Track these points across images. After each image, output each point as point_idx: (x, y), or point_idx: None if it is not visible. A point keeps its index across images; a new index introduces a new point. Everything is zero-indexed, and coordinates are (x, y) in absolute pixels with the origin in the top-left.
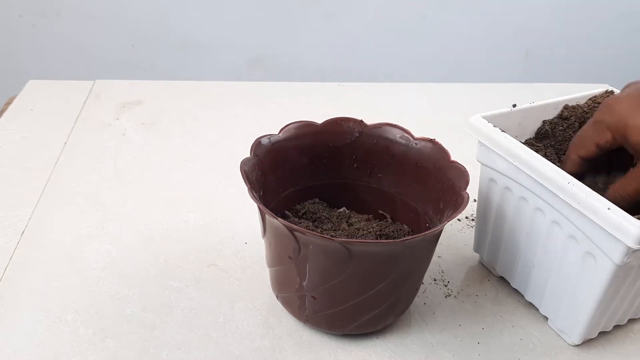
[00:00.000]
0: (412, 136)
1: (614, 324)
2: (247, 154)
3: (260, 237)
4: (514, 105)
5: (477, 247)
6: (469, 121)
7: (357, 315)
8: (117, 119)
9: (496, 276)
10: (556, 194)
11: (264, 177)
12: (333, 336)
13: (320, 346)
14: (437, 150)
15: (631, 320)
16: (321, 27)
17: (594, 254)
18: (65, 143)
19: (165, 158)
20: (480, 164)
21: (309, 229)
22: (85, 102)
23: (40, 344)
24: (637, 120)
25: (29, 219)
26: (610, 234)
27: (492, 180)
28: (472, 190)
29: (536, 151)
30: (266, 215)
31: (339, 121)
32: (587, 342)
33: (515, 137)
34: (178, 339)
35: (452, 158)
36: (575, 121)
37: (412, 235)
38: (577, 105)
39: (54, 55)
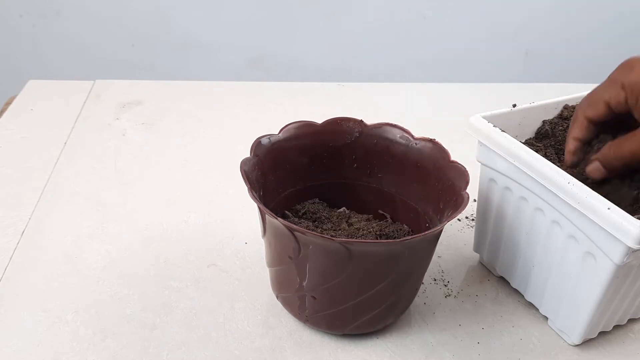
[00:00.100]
0: (412, 136)
1: (614, 324)
2: (247, 154)
3: (260, 237)
4: (514, 105)
5: (477, 247)
6: (469, 121)
7: (357, 315)
8: (117, 119)
9: (496, 276)
10: (556, 194)
11: (264, 177)
12: (333, 336)
13: (320, 346)
14: (437, 150)
15: (631, 320)
16: (321, 27)
17: (594, 254)
18: (65, 143)
19: (165, 158)
20: (480, 164)
21: (309, 229)
22: (85, 102)
23: (40, 344)
24: None
25: (29, 219)
26: (610, 234)
27: (492, 180)
28: (472, 190)
29: (536, 151)
30: (266, 215)
31: (339, 121)
32: (587, 342)
33: (515, 137)
34: (178, 339)
35: (452, 158)
36: None
37: (412, 235)
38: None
39: (54, 55)
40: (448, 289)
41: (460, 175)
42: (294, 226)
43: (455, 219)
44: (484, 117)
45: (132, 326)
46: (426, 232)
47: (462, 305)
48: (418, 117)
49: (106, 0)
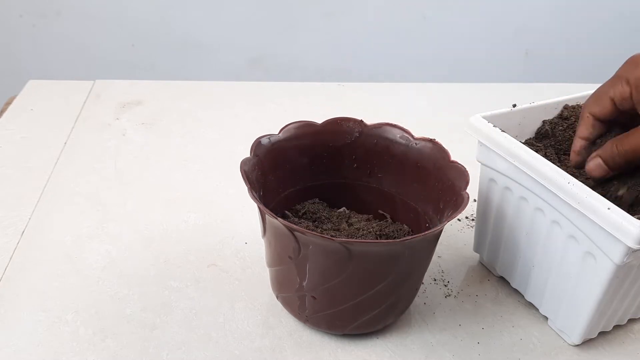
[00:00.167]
0: (412, 136)
1: (614, 324)
2: (247, 154)
3: (260, 237)
4: (514, 105)
5: (477, 247)
6: (469, 121)
7: (357, 315)
8: (117, 119)
9: (496, 276)
10: (556, 194)
11: (264, 177)
12: (333, 336)
13: (320, 346)
14: (437, 150)
15: (631, 320)
16: (321, 27)
17: (594, 254)
18: (65, 143)
19: (165, 158)
20: (480, 164)
21: (309, 229)
22: (85, 102)
23: (40, 344)
24: None
25: (29, 219)
26: (610, 234)
27: (492, 180)
28: (472, 190)
29: (536, 151)
30: (266, 215)
31: (339, 121)
32: (587, 342)
33: (515, 137)
34: (178, 339)
35: (452, 158)
36: (575, 121)
37: (412, 235)
38: (577, 105)
39: (54, 55)
40: (448, 289)
41: (460, 175)
42: (294, 226)
43: (455, 219)
44: (484, 117)
45: (132, 326)
46: (426, 232)
47: (462, 305)
48: (418, 117)
49: (106, 0)
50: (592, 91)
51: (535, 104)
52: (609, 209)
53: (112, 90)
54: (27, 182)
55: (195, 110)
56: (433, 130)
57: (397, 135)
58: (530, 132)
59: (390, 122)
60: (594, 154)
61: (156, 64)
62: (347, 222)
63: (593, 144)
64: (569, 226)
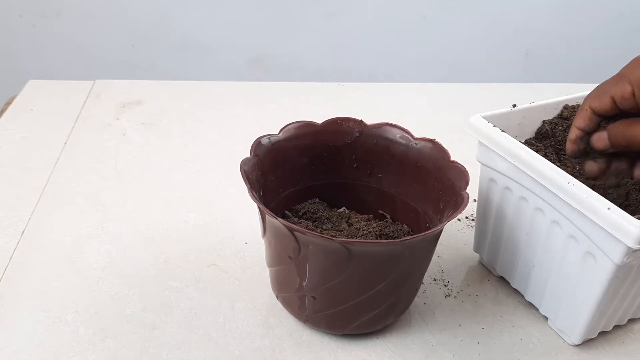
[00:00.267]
0: (412, 136)
1: (614, 324)
2: (247, 154)
3: (260, 237)
4: (514, 105)
5: (477, 247)
6: (469, 121)
7: (357, 315)
8: (117, 119)
9: (496, 276)
10: (556, 194)
11: (264, 177)
12: (333, 336)
13: (320, 346)
14: (437, 150)
15: (631, 320)
16: (321, 27)
17: (594, 254)
18: (65, 143)
19: (165, 158)
20: (480, 164)
21: (309, 229)
22: (85, 102)
23: (40, 344)
24: None
25: (29, 219)
26: (610, 234)
27: (492, 180)
28: (472, 190)
29: (536, 151)
30: (266, 215)
31: (339, 121)
32: (587, 342)
33: (515, 137)
34: (178, 339)
35: (452, 158)
36: None
37: (412, 235)
38: (577, 105)
39: (54, 55)
40: (448, 289)
41: (460, 175)
42: (294, 226)
43: (455, 219)
44: (484, 117)
45: (132, 326)
46: (426, 232)
47: (462, 305)
48: (418, 117)
49: (106, 0)
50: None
51: (535, 104)
52: (609, 209)
53: (112, 90)
54: (27, 182)
55: (195, 110)
56: (433, 130)
57: (397, 135)
58: (530, 132)
59: (390, 122)
60: (604, 128)
61: (156, 64)
62: (347, 222)
63: (590, 134)
64: (569, 226)
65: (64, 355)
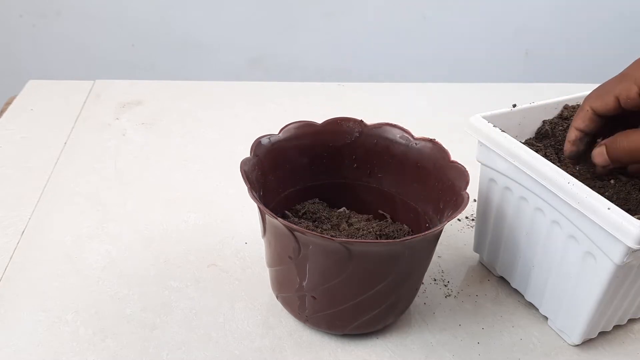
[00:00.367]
0: (412, 136)
1: (614, 324)
2: (247, 154)
3: (260, 237)
4: (514, 105)
5: (477, 247)
6: (469, 121)
7: (357, 315)
8: (117, 119)
9: (496, 276)
10: (556, 194)
11: (264, 177)
12: (333, 336)
13: (320, 346)
14: (437, 150)
15: (631, 320)
16: (321, 27)
17: (594, 254)
18: (65, 143)
19: (165, 158)
20: (480, 164)
21: (309, 229)
22: (85, 102)
23: (40, 344)
24: None
25: (29, 219)
26: (610, 234)
27: (492, 180)
28: (472, 190)
29: (536, 151)
30: (266, 215)
31: (339, 121)
32: (587, 342)
33: (515, 137)
34: (178, 339)
35: (453, 158)
36: None
37: (412, 235)
38: (577, 105)
39: (54, 55)
40: (448, 289)
41: (460, 175)
42: (294, 226)
43: (455, 219)
44: (484, 117)
45: (132, 326)
46: (426, 232)
47: (462, 305)
48: (418, 117)
49: (106, 0)
50: (589, 92)
51: (535, 104)
52: (609, 209)
53: (112, 90)
54: (27, 182)
55: (195, 110)
56: (433, 130)
57: (397, 135)
58: (530, 132)
59: (390, 122)
60: (601, 143)
61: (156, 64)
62: (347, 222)
63: (592, 136)
64: (569, 226)
65: (64, 355)
